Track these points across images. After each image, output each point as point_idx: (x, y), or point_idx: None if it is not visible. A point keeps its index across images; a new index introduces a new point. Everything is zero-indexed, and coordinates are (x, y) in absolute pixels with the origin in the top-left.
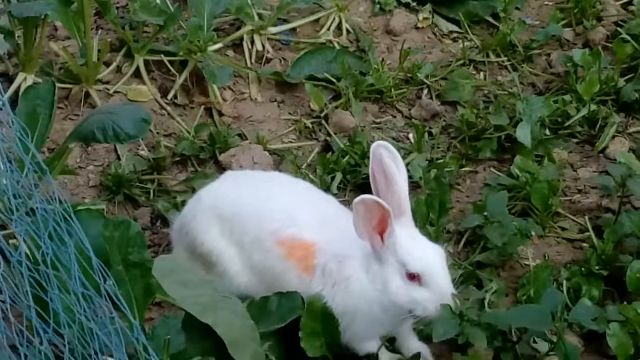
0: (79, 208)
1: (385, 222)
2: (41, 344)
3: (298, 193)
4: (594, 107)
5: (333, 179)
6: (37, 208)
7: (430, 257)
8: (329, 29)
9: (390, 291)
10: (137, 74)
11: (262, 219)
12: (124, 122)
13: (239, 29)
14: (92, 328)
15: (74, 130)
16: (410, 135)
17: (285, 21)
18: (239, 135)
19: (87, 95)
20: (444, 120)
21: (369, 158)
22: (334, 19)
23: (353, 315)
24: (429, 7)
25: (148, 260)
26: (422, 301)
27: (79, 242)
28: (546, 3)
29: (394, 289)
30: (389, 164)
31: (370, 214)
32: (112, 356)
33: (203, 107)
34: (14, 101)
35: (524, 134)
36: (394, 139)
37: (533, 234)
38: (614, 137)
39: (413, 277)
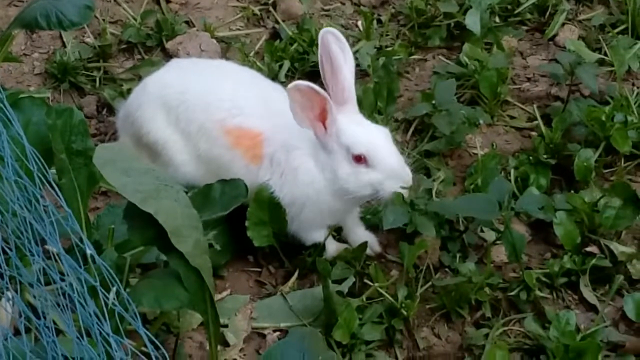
0: (22, 96)
1: (325, 110)
2: None
3: (245, 82)
4: None
5: (281, 66)
6: None
7: (373, 137)
8: None
9: (339, 177)
10: None
11: (208, 108)
12: (67, 8)
13: None
14: (26, 217)
15: (16, 17)
16: (359, 23)
17: None
18: (186, 22)
19: None
20: (393, 7)
21: (317, 45)
22: None
23: (302, 204)
24: None
25: (91, 148)
26: (372, 183)
27: (15, 133)
28: None
29: (342, 175)
30: (335, 51)
31: (308, 101)
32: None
33: None
34: None
35: (473, 21)
36: (342, 26)
37: (481, 122)
38: (563, 24)
39: (359, 160)
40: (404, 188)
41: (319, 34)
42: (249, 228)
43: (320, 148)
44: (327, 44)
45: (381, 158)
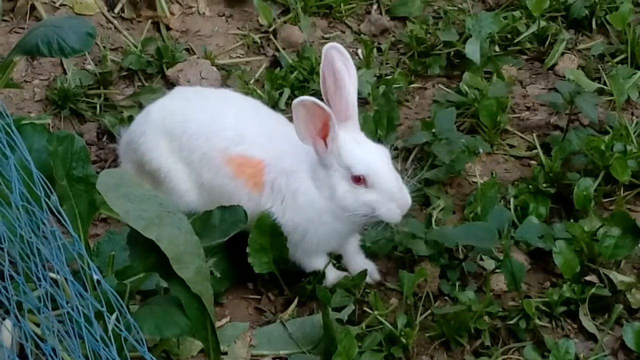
0: (23, 122)
1: (327, 126)
2: None
3: (246, 110)
4: (543, 23)
5: (281, 94)
6: None
7: (374, 158)
8: None
9: (337, 196)
10: None
11: (211, 137)
12: (68, 35)
13: None
14: (34, 242)
15: (18, 43)
16: (359, 51)
17: None
18: (187, 49)
19: (33, 7)
20: (393, 36)
21: (317, 74)
22: None
23: (304, 229)
24: None
25: (92, 175)
26: (370, 203)
27: (21, 157)
28: None
29: (340, 193)
30: (340, 67)
31: (311, 117)
32: (53, 270)
33: (150, 20)
34: None
35: (472, 50)
36: None
37: (481, 150)
38: (563, 53)
39: (358, 180)
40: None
41: (323, 48)
42: (249, 254)
43: (320, 166)
44: (331, 60)
45: (381, 181)
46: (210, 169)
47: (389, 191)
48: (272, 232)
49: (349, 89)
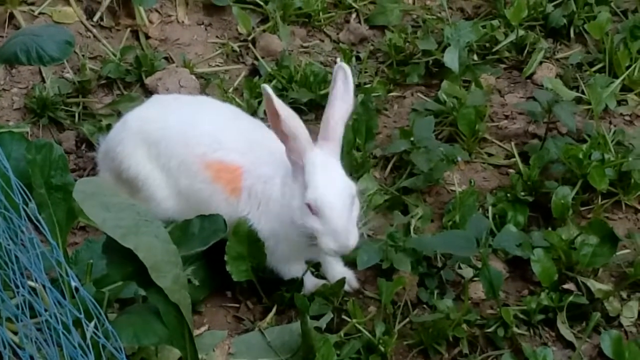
0: (1, 130)
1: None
2: None
3: (224, 117)
4: (521, 33)
5: (260, 103)
6: None
7: (330, 190)
8: None
9: (291, 207)
10: None
11: (188, 143)
12: (47, 44)
13: None
14: (12, 249)
15: None
16: (338, 59)
17: None
18: (165, 58)
19: (12, 16)
20: (372, 45)
21: (296, 82)
22: None
23: (277, 236)
24: None
25: (70, 183)
26: (313, 229)
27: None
28: None
29: (294, 206)
30: (339, 87)
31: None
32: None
33: (129, 29)
34: None
35: (451, 59)
36: (321, 63)
37: (459, 159)
38: (541, 62)
39: (308, 204)
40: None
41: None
42: (227, 262)
43: (291, 175)
44: (335, 77)
45: (327, 215)
46: (189, 175)
47: (332, 228)
48: (249, 239)
49: (335, 109)
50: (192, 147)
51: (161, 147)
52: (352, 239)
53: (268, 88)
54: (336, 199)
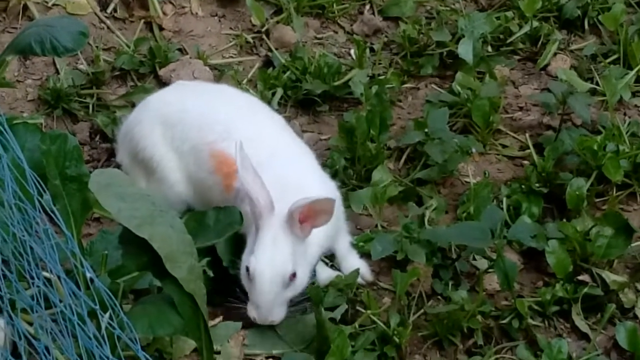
0: (16, 121)
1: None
2: None
3: (242, 108)
4: (536, 24)
5: (274, 94)
6: None
7: (264, 266)
8: None
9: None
10: None
11: (202, 128)
12: (61, 35)
13: None
14: (26, 240)
15: (10, 43)
16: (352, 51)
17: None
18: (179, 49)
19: (25, 7)
20: (386, 36)
21: (309, 73)
22: None
23: None
24: None
25: (85, 174)
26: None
27: (14, 156)
28: None
29: (244, 260)
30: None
31: None
32: (47, 271)
33: (143, 20)
34: None
35: (465, 50)
36: (335, 54)
37: (473, 150)
38: (555, 54)
39: (247, 267)
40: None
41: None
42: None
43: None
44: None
45: (257, 289)
46: (197, 161)
47: (257, 301)
48: None
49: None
50: (205, 133)
51: (176, 130)
52: (273, 316)
53: (240, 147)
54: (268, 277)
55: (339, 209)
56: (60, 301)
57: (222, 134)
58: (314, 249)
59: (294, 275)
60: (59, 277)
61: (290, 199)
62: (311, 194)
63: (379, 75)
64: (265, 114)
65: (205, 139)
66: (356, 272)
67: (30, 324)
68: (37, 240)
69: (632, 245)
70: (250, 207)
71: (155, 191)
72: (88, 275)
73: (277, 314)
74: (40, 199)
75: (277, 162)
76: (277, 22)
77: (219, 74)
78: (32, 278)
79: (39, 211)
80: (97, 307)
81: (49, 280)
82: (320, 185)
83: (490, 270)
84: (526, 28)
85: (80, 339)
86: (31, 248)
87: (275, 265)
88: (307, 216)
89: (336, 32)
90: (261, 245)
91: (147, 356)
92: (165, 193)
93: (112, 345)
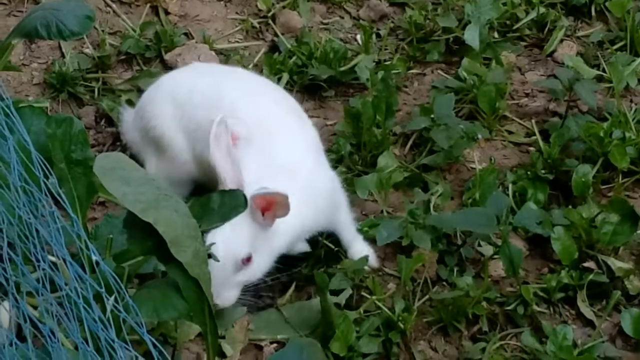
0: (21, 105)
1: None
2: None
3: (250, 88)
4: (542, 10)
5: (279, 79)
6: None
7: (217, 246)
8: None
9: None
10: None
11: (209, 108)
12: (67, 18)
13: None
14: (32, 222)
15: (16, 26)
16: (358, 37)
17: None
18: (185, 34)
19: None
20: (392, 22)
21: (315, 58)
22: None
23: None
24: None
25: (90, 157)
26: None
27: (20, 138)
28: None
29: None
30: (223, 140)
31: None
32: (52, 254)
33: (149, 4)
34: None
35: (472, 36)
36: (341, 39)
37: (479, 136)
38: (562, 40)
39: None
40: None
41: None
42: None
43: None
44: (218, 134)
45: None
46: (203, 141)
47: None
48: None
49: (229, 163)
50: (211, 112)
51: (185, 109)
52: (220, 299)
53: (218, 123)
54: (218, 257)
55: (335, 197)
56: (66, 284)
57: (227, 113)
58: (283, 238)
59: (248, 259)
60: (64, 260)
61: (279, 181)
62: (301, 177)
63: (385, 60)
64: (273, 95)
65: (211, 118)
66: (365, 258)
67: (36, 307)
68: (43, 223)
69: (638, 232)
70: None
71: (165, 170)
72: (94, 258)
73: (225, 297)
74: (46, 181)
75: (274, 143)
76: (283, 7)
77: (225, 58)
78: (38, 261)
79: (45, 194)
80: (103, 289)
81: (54, 264)
82: (312, 170)
83: (495, 256)
84: (533, 14)
85: (86, 322)
86: (37, 231)
87: (227, 246)
88: (265, 207)
89: (342, 18)
90: (219, 228)
91: (153, 339)
92: (175, 172)
93: (118, 329)
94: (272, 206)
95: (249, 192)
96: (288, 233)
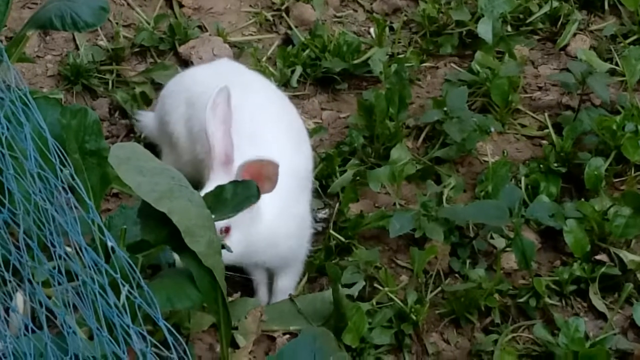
0: (36, 96)
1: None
2: None
3: (256, 105)
4: (555, 4)
5: (293, 72)
6: None
7: None
8: None
9: None
10: None
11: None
12: (82, 9)
13: None
14: (48, 209)
15: (31, 17)
16: (371, 30)
17: None
18: (199, 26)
19: None
20: (405, 15)
21: (329, 51)
22: None
23: None
24: None
25: (104, 148)
26: None
27: (36, 126)
28: None
29: None
30: (221, 108)
31: None
32: (68, 245)
33: None
34: None
35: (485, 30)
36: (354, 32)
37: (492, 129)
38: (575, 34)
39: None
40: None
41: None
42: None
43: None
44: (216, 100)
45: None
46: (201, 144)
47: None
48: None
49: (222, 134)
50: None
51: (193, 110)
52: None
53: (219, 92)
54: None
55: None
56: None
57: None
58: (259, 230)
59: (227, 230)
60: (79, 247)
61: None
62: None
63: (398, 54)
64: (279, 115)
65: None
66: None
67: (50, 297)
68: (59, 210)
69: None
70: (206, 156)
71: (173, 165)
72: (109, 244)
73: None
74: (61, 169)
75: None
76: (297, 0)
77: (239, 51)
78: (54, 247)
79: (61, 181)
80: (119, 275)
81: (69, 253)
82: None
83: (507, 249)
84: (546, 8)
85: (101, 308)
86: (52, 217)
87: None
88: (254, 177)
89: (356, 11)
90: (206, 189)
91: (168, 325)
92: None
93: (133, 315)
94: (260, 178)
95: (237, 163)
96: (263, 229)
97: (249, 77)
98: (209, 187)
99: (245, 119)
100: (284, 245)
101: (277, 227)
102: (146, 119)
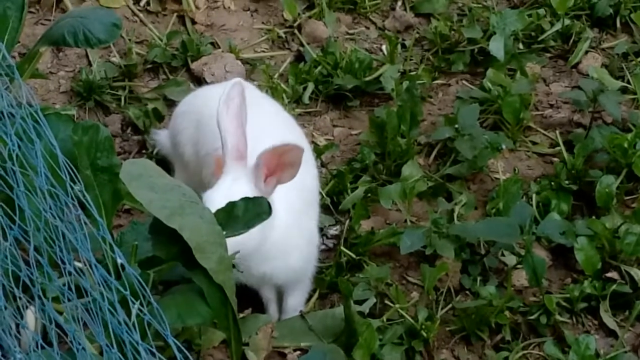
0: (48, 112)
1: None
2: (6, 240)
3: (265, 124)
4: (567, 22)
5: (305, 88)
6: (5, 108)
7: (209, 196)
8: None
9: None
10: None
11: (216, 138)
12: (94, 26)
13: None
14: (58, 226)
15: (44, 34)
16: (383, 47)
17: None
18: (211, 43)
19: None
20: (417, 32)
21: (341, 68)
22: None
23: None
24: None
25: (116, 164)
26: None
27: (47, 144)
28: None
29: None
30: (235, 103)
31: None
32: (78, 260)
33: (175, 14)
34: None
35: (496, 47)
36: (366, 49)
37: (503, 147)
38: (586, 52)
39: None
40: None
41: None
42: None
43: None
44: (231, 94)
45: None
46: (207, 167)
47: None
48: None
49: (236, 127)
50: (217, 142)
51: (201, 133)
52: None
53: (233, 85)
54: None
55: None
56: (92, 288)
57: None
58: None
59: None
60: (89, 264)
61: None
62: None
63: (410, 71)
64: (282, 132)
65: (214, 146)
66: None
67: (61, 312)
68: (69, 227)
69: None
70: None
71: (186, 181)
72: (119, 261)
73: None
74: (72, 185)
75: None
76: (309, 17)
77: (251, 68)
78: (64, 263)
79: (72, 198)
80: (128, 292)
81: (80, 269)
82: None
83: (518, 266)
84: (558, 26)
85: (111, 325)
86: (63, 234)
87: (225, 200)
88: (272, 168)
89: (368, 28)
90: (220, 182)
91: (178, 343)
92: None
93: (142, 333)
94: (280, 166)
95: (251, 158)
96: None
97: (257, 98)
98: (221, 184)
99: (250, 138)
100: (294, 256)
101: (288, 237)
102: (161, 137)
